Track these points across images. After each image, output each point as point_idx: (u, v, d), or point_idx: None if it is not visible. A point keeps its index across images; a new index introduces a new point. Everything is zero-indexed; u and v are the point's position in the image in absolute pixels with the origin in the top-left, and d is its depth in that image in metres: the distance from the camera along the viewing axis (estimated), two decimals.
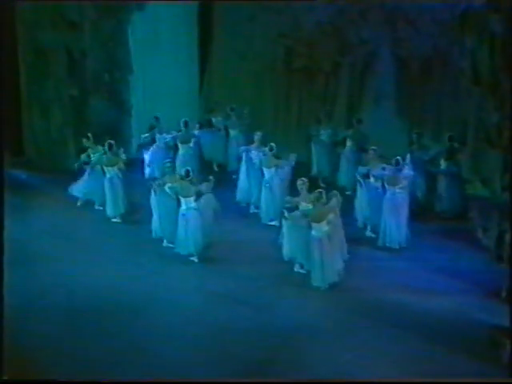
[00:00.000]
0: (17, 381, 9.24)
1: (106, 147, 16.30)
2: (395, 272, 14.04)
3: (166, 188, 14.63)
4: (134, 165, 17.79)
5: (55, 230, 15.65)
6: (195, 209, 14.28)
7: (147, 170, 18.26)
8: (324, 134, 18.47)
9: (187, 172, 14.63)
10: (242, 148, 17.34)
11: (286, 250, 14.00)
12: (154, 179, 15.80)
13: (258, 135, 17.05)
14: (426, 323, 11.90)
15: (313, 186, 14.37)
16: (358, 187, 15.79)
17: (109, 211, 16.27)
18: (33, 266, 13.73)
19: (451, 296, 12.90)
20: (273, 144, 16.34)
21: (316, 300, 12.75)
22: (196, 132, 18.69)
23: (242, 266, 14.04)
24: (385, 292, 13.06)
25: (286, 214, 13.75)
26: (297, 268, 13.78)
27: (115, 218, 16.27)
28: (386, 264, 14.36)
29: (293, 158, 16.22)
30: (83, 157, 16.93)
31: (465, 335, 11.51)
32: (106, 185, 16.25)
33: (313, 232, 13.25)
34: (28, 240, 14.92)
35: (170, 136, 18.20)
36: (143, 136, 18.48)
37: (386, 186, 15.05)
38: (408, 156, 15.67)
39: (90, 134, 17.18)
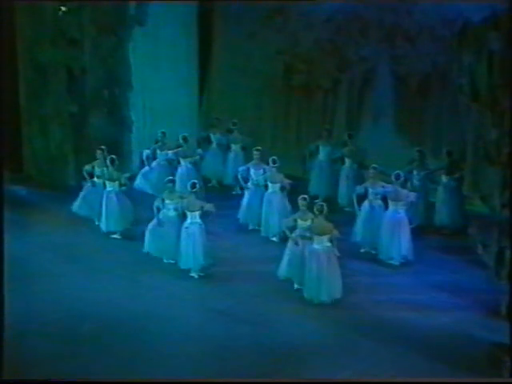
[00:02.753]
0: (17, 381, 9.18)
1: (108, 162, 16.31)
2: (395, 288, 14.02)
3: (170, 205, 14.63)
4: (134, 181, 17.87)
5: (55, 247, 15.63)
6: (200, 224, 14.27)
7: (146, 185, 18.35)
8: (323, 151, 18.49)
9: (193, 184, 14.59)
10: (241, 168, 17.23)
11: (283, 270, 13.97)
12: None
13: (256, 154, 17.00)
14: (425, 340, 11.87)
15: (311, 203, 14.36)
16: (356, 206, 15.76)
17: (102, 226, 16.27)
18: (32, 282, 13.70)
19: (451, 312, 12.87)
20: (275, 157, 16.34)
21: (316, 317, 12.71)
22: (199, 150, 18.78)
23: (242, 283, 14.02)
24: (384, 308, 13.03)
25: (290, 234, 13.76)
26: (296, 286, 13.73)
27: (115, 234, 16.26)
28: (385, 280, 14.34)
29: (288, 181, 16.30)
30: (87, 167, 16.88)
31: (465, 352, 11.49)
32: (103, 199, 16.25)
33: (314, 245, 13.22)
34: (28, 256, 14.91)
35: (171, 152, 18.24)
36: (145, 152, 18.51)
37: (389, 202, 15.04)
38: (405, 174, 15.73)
39: (103, 147, 17.10)
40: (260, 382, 10.02)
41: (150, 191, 17.72)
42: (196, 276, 14.26)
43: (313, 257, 13.23)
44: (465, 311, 12.90)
